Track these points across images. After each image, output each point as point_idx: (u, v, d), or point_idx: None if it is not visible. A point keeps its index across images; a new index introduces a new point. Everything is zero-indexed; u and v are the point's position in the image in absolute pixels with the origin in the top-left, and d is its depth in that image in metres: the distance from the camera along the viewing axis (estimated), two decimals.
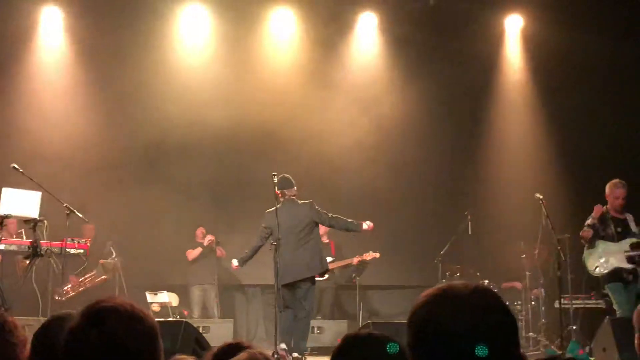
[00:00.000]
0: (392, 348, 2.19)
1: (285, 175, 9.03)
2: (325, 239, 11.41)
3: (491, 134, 12.03)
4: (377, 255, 10.76)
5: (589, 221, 8.39)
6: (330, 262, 10.86)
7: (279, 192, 8.81)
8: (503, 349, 1.72)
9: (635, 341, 2.67)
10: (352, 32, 12.44)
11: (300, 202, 8.97)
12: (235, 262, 9.32)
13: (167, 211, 11.35)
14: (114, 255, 10.96)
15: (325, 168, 11.64)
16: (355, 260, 10.98)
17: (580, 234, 8.47)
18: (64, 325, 2.00)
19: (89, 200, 10.14)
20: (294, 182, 8.99)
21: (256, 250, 9.10)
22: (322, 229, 11.00)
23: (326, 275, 10.54)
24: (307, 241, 8.83)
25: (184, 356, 2.80)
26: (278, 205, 8.71)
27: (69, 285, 10.80)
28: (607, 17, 11.25)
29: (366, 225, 8.95)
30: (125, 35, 11.72)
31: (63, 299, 10.68)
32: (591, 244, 8.46)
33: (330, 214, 8.98)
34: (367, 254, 10.83)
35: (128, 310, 1.96)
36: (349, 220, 9.03)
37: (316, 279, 9.33)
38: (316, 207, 8.93)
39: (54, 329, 2.55)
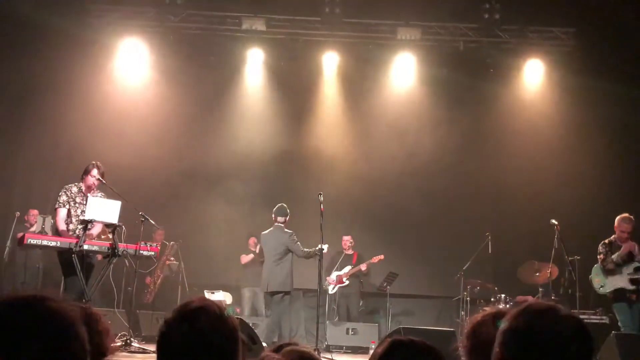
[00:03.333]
0: None
1: (282, 205, 9.47)
2: (349, 251, 11.47)
3: (512, 165, 11.93)
4: (382, 257, 10.86)
5: (614, 257, 8.30)
6: (347, 272, 10.98)
7: (273, 217, 9.47)
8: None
9: None
10: (390, 70, 12.48)
11: (285, 230, 9.38)
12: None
13: (224, 221, 11.49)
14: (178, 254, 11.22)
15: (362, 190, 11.70)
16: (364, 267, 11.04)
17: (606, 266, 8.38)
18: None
19: (159, 210, 10.31)
20: (287, 212, 9.43)
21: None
22: (347, 244, 11.21)
23: (347, 282, 10.78)
24: (280, 262, 9.31)
25: (271, 354, 2.78)
26: (270, 229, 9.48)
27: (150, 288, 11.12)
28: (621, 64, 11.12)
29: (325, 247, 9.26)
30: (197, 71, 11.96)
31: (151, 299, 10.99)
32: (610, 272, 8.39)
33: (301, 248, 9.36)
34: (374, 258, 10.91)
35: (216, 311, 2.01)
36: (307, 250, 9.39)
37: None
38: (294, 237, 9.31)
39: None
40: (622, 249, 8.28)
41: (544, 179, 11.50)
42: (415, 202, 11.64)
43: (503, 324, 1.84)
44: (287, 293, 9.32)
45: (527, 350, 1.76)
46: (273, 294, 9.32)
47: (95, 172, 7.84)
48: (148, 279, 11.23)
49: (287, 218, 9.42)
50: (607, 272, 8.38)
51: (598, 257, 8.46)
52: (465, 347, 2.34)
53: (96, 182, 7.86)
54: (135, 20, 11.97)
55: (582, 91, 11.22)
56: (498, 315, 2.37)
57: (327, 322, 10.86)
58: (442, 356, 2.22)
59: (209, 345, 1.93)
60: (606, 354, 6.99)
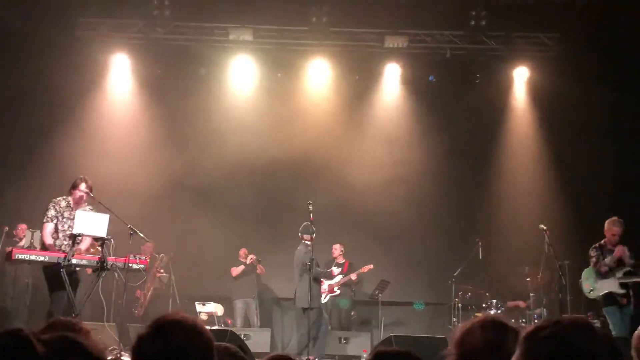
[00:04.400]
0: None
1: (307, 223, 9.58)
2: (341, 259, 11.46)
3: (500, 171, 11.98)
4: (371, 266, 10.84)
5: (607, 260, 8.32)
6: (337, 282, 10.99)
7: (299, 234, 9.78)
8: None
9: None
10: (379, 80, 12.50)
11: (307, 247, 9.61)
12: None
13: (215, 233, 11.42)
14: (169, 267, 11.16)
15: (351, 198, 11.68)
16: (354, 276, 11.02)
17: (600, 269, 8.40)
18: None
19: (149, 222, 10.25)
20: (309, 230, 9.56)
21: None
22: (337, 251, 11.21)
23: (338, 291, 10.83)
24: (302, 279, 9.62)
25: None
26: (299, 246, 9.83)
27: (140, 301, 11.05)
28: (606, 70, 11.18)
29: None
30: (185, 82, 11.95)
31: (142, 312, 10.91)
32: (604, 275, 8.40)
33: (315, 267, 9.64)
34: (363, 268, 10.86)
35: (191, 324, 1.98)
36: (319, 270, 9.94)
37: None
38: (309, 256, 9.48)
39: None
40: (614, 252, 8.30)
41: (532, 184, 11.54)
42: (405, 209, 11.63)
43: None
44: (308, 308, 9.51)
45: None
46: (302, 309, 9.73)
47: (83, 186, 7.78)
48: (138, 292, 11.15)
49: (313, 236, 9.62)
50: (599, 275, 8.39)
51: (590, 260, 8.47)
52: (454, 355, 2.32)
53: (84, 197, 7.81)
54: (124, 33, 11.95)
55: (567, 96, 11.25)
56: (486, 323, 2.35)
57: None
58: None
59: (185, 359, 1.90)
60: None
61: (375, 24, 11.88)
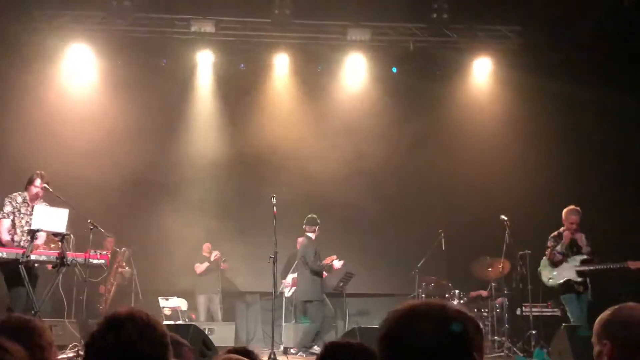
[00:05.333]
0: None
1: (311, 215, 9.90)
2: None
3: (462, 163, 12.10)
4: (334, 257, 10.59)
5: (559, 248, 8.47)
6: None
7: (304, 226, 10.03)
8: (466, 355, 1.73)
9: (595, 350, 2.61)
10: (342, 72, 12.51)
11: (310, 240, 9.82)
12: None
13: (178, 227, 11.32)
14: (131, 261, 11.04)
15: (316, 193, 11.67)
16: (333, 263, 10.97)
17: (553, 259, 8.55)
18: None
19: (110, 217, 10.13)
20: (314, 221, 9.89)
21: None
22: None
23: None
24: (302, 271, 9.81)
25: (233, 355, 2.76)
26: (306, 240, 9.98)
27: (104, 297, 10.91)
28: (565, 62, 11.37)
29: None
30: (146, 75, 11.79)
31: (106, 308, 10.77)
32: (556, 265, 8.55)
33: (312, 261, 9.83)
34: (327, 259, 10.55)
35: (143, 318, 1.98)
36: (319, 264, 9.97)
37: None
38: (311, 249, 9.59)
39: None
40: (563, 238, 8.45)
41: (493, 175, 11.67)
42: (369, 201, 11.69)
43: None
44: (308, 301, 9.73)
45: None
46: (302, 302, 9.99)
47: (38, 181, 7.67)
48: (102, 288, 11.00)
49: (315, 228, 9.82)
50: (555, 264, 8.55)
51: (546, 250, 8.64)
52: None
53: (40, 192, 7.69)
54: (83, 25, 11.71)
55: (528, 88, 11.43)
56: (414, 310, 2.38)
57: (284, 324, 10.84)
58: (376, 356, 2.23)
59: (138, 353, 1.90)
60: (557, 345, 7.13)
61: (338, 16, 11.87)
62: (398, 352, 1.75)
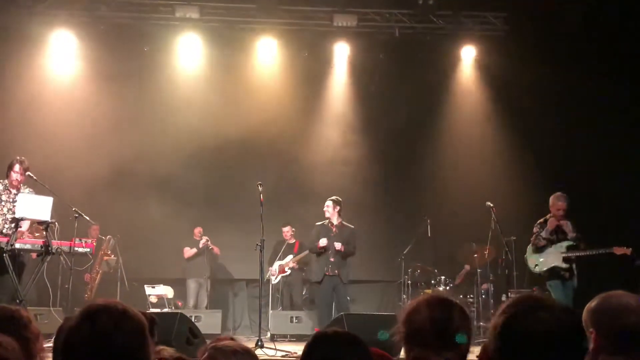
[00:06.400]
0: (383, 336, 2.23)
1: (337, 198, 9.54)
2: (291, 240, 11.51)
3: (448, 149, 12.14)
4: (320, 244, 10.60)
5: (543, 234, 8.52)
6: (287, 262, 11.06)
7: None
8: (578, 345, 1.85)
9: None
10: (328, 58, 12.47)
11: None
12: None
13: (164, 214, 11.28)
14: (116, 249, 10.99)
15: (302, 179, 11.68)
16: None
17: (537, 243, 8.60)
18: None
19: (94, 205, 10.07)
20: (332, 204, 9.45)
21: None
22: (289, 233, 11.26)
23: (288, 271, 10.81)
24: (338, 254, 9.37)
25: (164, 347, 2.78)
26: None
27: (90, 285, 10.86)
28: (551, 49, 11.40)
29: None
30: (130, 61, 11.68)
31: (91, 296, 10.71)
32: (541, 249, 8.61)
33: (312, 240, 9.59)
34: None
35: (119, 309, 1.97)
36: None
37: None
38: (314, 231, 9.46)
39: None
40: (548, 224, 8.51)
41: (478, 162, 11.73)
42: (355, 188, 11.68)
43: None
44: (315, 282, 9.57)
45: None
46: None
47: (17, 167, 7.59)
48: (87, 276, 10.96)
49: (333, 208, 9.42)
50: (540, 249, 8.60)
51: (532, 236, 8.69)
52: (402, 333, 2.35)
53: (20, 178, 7.61)
54: (65, 10, 11.55)
55: (514, 75, 11.43)
56: (432, 301, 2.39)
57: (271, 311, 10.86)
58: (365, 345, 2.24)
59: (114, 344, 1.89)
60: None
61: (324, 2, 11.81)
62: (517, 343, 1.83)
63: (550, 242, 8.54)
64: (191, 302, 11.44)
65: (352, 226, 9.56)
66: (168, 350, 2.79)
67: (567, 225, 8.55)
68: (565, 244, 8.50)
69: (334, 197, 9.55)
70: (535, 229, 8.66)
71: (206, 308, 11.29)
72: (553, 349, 1.79)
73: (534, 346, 1.79)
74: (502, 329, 1.87)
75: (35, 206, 7.42)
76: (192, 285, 11.53)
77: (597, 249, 8.44)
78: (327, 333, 2.29)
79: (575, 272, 8.48)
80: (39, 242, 7.52)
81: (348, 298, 9.78)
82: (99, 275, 11.16)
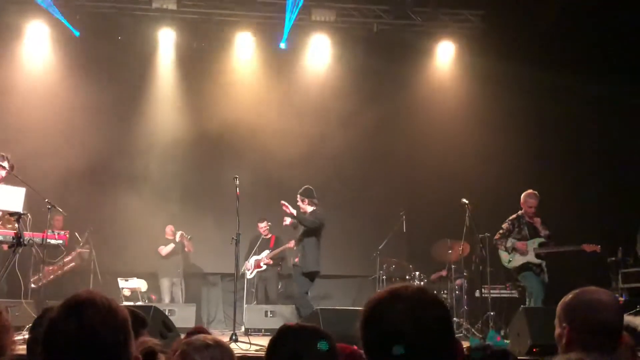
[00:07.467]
0: (322, 345, 2.22)
1: (308, 187, 9.39)
2: (267, 236, 11.49)
3: (424, 145, 12.18)
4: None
5: (509, 245, 8.71)
6: (263, 257, 11.04)
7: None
8: (442, 338, 1.79)
9: (556, 331, 2.67)
10: (306, 52, 12.47)
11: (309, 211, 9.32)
12: None
13: (138, 208, 11.19)
14: (89, 242, 10.83)
15: (278, 174, 11.63)
16: (292, 243, 10.61)
17: (499, 245, 8.79)
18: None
19: (67, 197, 9.97)
20: (308, 193, 9.35)
21: None
22: (264, 228, 11.21)
23: (264, 266, 10.78)
24: (301, 241, 9.26)
25: (149, 339, 2.77)
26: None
27: (40, 275, 10.61)
28: (527, 46, 11.50)
29: None
30: (106, 52, 11.57)
31: (40, 284, 10.43)
32: (502, 244, 8.78)
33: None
34: (290, 242, 10.62)
35: (105, 303, 1.92)
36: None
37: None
38: (307, 216, 9.24)
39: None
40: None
41: (454, 158, 11.80)
42: (331, 183, 11.69)
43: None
44: (301, 274, 9.20)
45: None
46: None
47: (5, 164, 7.52)
48: (47, 269, 10.57)
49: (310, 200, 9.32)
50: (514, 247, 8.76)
51: (499, 232, 8.85)
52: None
53: (4, 174, 7.53)
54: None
55: (491, 73, 11.54)
56: (394, 294, 2.41)
57: (245, 305, 10.85)
58: (331, 339, 2.26)
59: (101, 340, 1.85)
60: (515, 326, 7.27)
61: None
62: (378, 334, 1.81)
63: (523, 239, 8.69)
64: (166, 299, 11.38)
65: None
66: (153, 340, 2.79)
67: (538, 223, 8.72)
68: (537, 240, 8.67)
69: (301, 189, 9.51)
70: (505, 225, 8.82)
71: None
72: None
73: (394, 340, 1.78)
74: (363, 323, 1.88)
75: (6, 197, 7.36)
76: (165, 283, 11.50)
77: (567, 246, 8.62)
78: (291, 327, 2.30)
79: (545, 269, 8.65)
80: (11, 233, 7.44)
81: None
82: (68, 267, 10.87)
